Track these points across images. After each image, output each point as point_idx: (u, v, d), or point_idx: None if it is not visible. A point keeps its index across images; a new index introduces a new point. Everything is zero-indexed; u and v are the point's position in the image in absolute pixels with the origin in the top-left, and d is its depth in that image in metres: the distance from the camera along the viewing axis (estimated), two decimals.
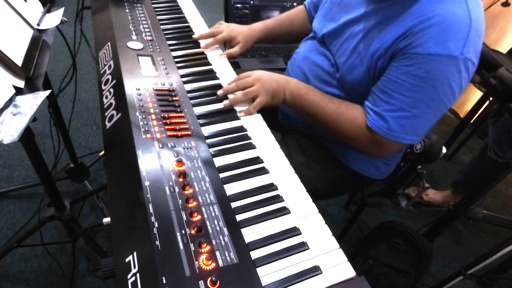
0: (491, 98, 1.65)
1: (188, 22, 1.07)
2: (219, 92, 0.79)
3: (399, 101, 0.69)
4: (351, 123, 0.77)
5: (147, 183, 0.55)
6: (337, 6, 0.88)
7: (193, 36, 0.98)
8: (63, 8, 0.93)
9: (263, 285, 0.47)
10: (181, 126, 0.68)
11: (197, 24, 1.07)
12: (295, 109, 0.84)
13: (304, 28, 1.08)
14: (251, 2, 1.43)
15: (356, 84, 0.79)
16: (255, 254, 0.50)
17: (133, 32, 0.93)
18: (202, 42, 0.97)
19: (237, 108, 0.78)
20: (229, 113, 0.76)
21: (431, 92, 0.67)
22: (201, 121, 0.71)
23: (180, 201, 0.54)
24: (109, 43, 0.88)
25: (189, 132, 0.67)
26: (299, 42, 1.04)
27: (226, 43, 1.02)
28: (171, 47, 0.92)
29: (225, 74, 0.88)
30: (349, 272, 0.50)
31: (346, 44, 0.81)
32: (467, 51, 0.64)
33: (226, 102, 0.77)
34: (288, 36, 1.09)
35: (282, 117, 1.01)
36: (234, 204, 0.57)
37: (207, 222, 0.52)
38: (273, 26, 1.06)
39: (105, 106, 0.74)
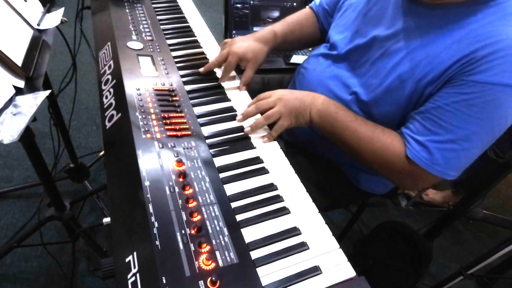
0: None
1: (188, 22, 1.07)
2: (238, 117, 0.73)
3: (449, 132, 0.60)
4: (388, 151, 0.67)
5: (147, 183, 0.55)
6: (362, 17, 0.78)
7: (200, 70, 0.86)
8: (63, 8, 0.93)
9: (263, 285, 0.47)
10: (181, 126, 0.68)
11: (197, 24, 1.07)
12: (323, 130, 0.73)
13: (314, 35, 0.98)
14: (251, 2, 1.43)
15: (391, 110, 0.70)
16: (255, 254, 0.50)
17: (133, 32, 0.93)
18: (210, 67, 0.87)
19: (254, 135, 0.71)
20: (229, 113, 0.76)
21: (487, 126, 0.59)
22: (201, 121, 0.71)
23: (180, 201, 0.54)
24: (109, 43, 0.88)
25: (189, 132, 0.67)
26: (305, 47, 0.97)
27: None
28: (171, 47, 0.92)
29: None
30: (349, 272, 0.50)
31: (380, 63, 0.71)
32: None
33: (247, 129, 0.70)
34: (298, 43, 0.99)
35: (286, 134, 0.92)
36: (234, 204, 0.57)
37: (207, 222, 0.52)
38: (284, 33, 0.92)
39: (105, 106, 0.74)
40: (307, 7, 1.02)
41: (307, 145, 0.89)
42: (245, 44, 0.85)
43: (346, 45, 0.79)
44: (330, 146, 0.76)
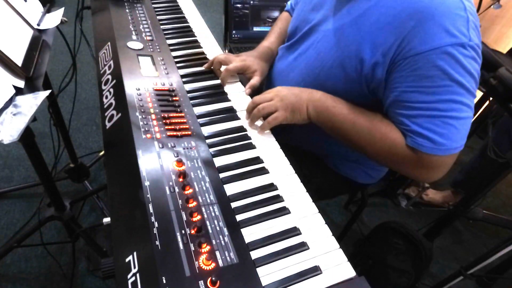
0: (491, 98, 1.65)
1: (188, 22, 1.07)
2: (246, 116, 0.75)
3: (428, 109, 0.60)
4: (388, 141, 0.65)
5: (147, 183, 0.55)
6: (308, 5, 0.82)
7: (202, 67, 0.88)
8: (63, 8, 0.93)
9: (263, 285, 0.47)
10: (181, 126, 0.68)
11: (197, 24, 1.07)
12: (324, 126, 0.73)
13: None
14: (251, 2, 1.43)
15: (338, 90, 0.72)
16: (255, 254, 0.50)
17: (133, 32, 0.93)
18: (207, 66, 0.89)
19: (250, 128, 0.73)
20: (229, 113, 0.76)
21: (454, 87, 0.58)
22: (201, 121, 0.71)
23: (180, 201, 0.54)
24: (109, 43, 0.88)
25: (189, 132, 0.67)
26: None
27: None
28: (171, 47, 0.92)
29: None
30: (349, 272, 0.50)
31: (321, 47, 0.74)
32: (473, 36, 0.57)
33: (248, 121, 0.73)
34: None
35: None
36: (234, 204, 0.57)
37: (207, 222, 0.52)
38: (278, 43, 0.98)
39: (105, 106, 0.74)
40: (285, 11, 1.06)
41: (284, 138, 0.89)
42: (251, 56, 0.90)
43: (296, 34, 0.84)
44: (304, 135, 0.78)
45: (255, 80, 0.85)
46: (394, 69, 0.62)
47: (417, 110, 0.61)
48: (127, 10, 1.03)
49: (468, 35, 0.57)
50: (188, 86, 0.80)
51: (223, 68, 0.86)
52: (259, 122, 0.74)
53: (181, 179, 0.57)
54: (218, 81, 0.85)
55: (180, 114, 0.71)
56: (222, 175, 0.61)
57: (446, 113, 0.59)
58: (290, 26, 0.90)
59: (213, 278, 0.45)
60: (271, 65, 0.95)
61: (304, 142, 0.89)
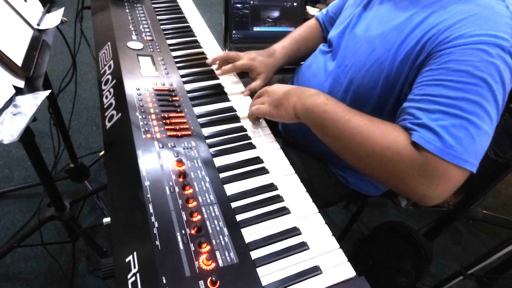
0: None
1: (188, 22, 1.07)
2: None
3: (448, 106, 0.52)
4: (389, 138, 0.55)
5: (147, 183, 0.55)
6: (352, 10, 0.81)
7: (207, 61, 0.89)
8: (63, 8, 0.93)
9: (263, 285, 0.46)
10: (181, 126, 0.68)
11: (197, 24, 1.07)
12: (312, 125, 0.65)
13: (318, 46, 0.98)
14: (251, 2, 1.43)
15: (367, 93, 0.69)
16: (255, 254, 0.50)
17: (133, 32, 0.93)
18: (210, 60, 0.90)
19: (255, 136, 0.73)
20: (229, 113, 0.76)
21: (484, 89, 0.51)
22: (201, 121, 0.71)
23: (180, 201, 0.54)
24: (109, 43, 0.88)
25: (189, 132, 0.67)
26: None
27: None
28: (171, 47, 0.92)
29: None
30: (349, 272, 0.50)
31: (360, 51, 0.72)
32: None
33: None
34: (303, 58, 0.98)
35: (282, 129, 0.95)
36: (234, 204, 0.57)
37: (207, 222, 0.52)
38: (292, 49, 0.96)
39: (105, 106, 0.74)
40: (313, 17, 1.05)
41: (300, 142, 0.90)
42: (260, 57, 0.89)
43: (339, 38, 0.81)
44: (321, 144, 0.71)
45: (255, 84, 0.85)
46: (425, 64, 0.57)
47: (437, 104, 0.53)
48: (127, 10, 1.03)
49: (510, 39, 0.52)
50: (188, 86, 0.80)
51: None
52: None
53: (181, 179, 0.57)
54: (218, 81, 0.85)
55: (180, 114, 0.71)
56: (222, 175, 0.61)
57: (467, 115, 0.51)
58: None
59: (213, 278, 0.45)
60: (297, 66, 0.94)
61: (314, 147, 0.87)
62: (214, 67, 0.89)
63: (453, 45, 0.54)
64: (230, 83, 0.86)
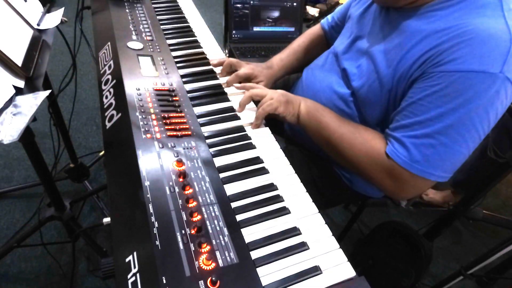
0: None
1: (188, 22, 1.07)
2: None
3: (424, 127, 0.59)
4: (367, 145, 0.67)
5: (147, 183, 0.55)
6: (357, 23, 0.82)
7: (211, 62, 0.90)
8: (63, 8, 0.93)
9: (263, 285, 0.47)
10: (181, 126, 0.68)
11: (197, 24, 1.07)
12: (309, 126, 0.75)
13: (321, 53, 0.99)
14: (251, 2, 1.43)
15: (372, 108, 0.73)
16: (255, 254, 0.50)
17: (133, 32, 0.93)
18: (216, 67, 0.91)
19: (255, 135, 0.73)
20: (229, 113, 0.76)
21: (464, 117, 0.56)
22: (201, 121, 0.71)
23: (180, 201, 0.54)
24: (109, 43, 0.88)
25: (189, 132, 0.67)
26: None
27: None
28: (171, 47, 0.92)
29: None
30: (349, 272, 0.50)
31: (364, 65, 0.74)
32: (507, 69, 0.53)
33: (237, 108, 0.76)
34: (306, 66, 1.00)
35: (288, 127, 0.96)
36: (234, 204, 0.57)
37: (207, 222, 0.52)
38: (290, 60, 1.00)
39: (105, 106, 0.74)
40: (318, 24, 1.06)
41: (306, 142, 0.90)
42: (259, 67, 0.93)
43: (346, 48, 0.83)
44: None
45: (244, 71, 0.87)
46: (417, 80, 0.61)
47: (414, 123, 0.60)
48: (127, 10, 1.03)
49: (501, 67, 0.53)
50: (188, 86, 0.80)
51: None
52: (252, 116, 0.75)
53: (181, 179, 0.57)
54: (218, 81, 0.85)
55: (180, 114, 0.71)
56: (222, 175, 0.61)
57: (439, 136, 0.58)
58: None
59: (213, 278, 0.45)
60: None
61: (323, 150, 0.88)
62: (216, 69, 0.89)
63: (444, 69, 0.57)
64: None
